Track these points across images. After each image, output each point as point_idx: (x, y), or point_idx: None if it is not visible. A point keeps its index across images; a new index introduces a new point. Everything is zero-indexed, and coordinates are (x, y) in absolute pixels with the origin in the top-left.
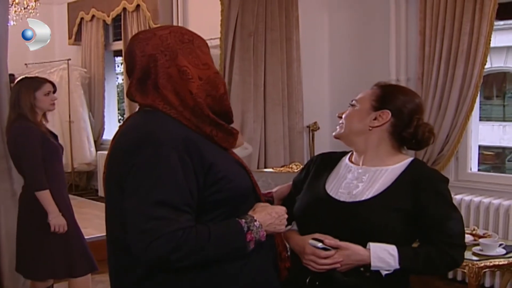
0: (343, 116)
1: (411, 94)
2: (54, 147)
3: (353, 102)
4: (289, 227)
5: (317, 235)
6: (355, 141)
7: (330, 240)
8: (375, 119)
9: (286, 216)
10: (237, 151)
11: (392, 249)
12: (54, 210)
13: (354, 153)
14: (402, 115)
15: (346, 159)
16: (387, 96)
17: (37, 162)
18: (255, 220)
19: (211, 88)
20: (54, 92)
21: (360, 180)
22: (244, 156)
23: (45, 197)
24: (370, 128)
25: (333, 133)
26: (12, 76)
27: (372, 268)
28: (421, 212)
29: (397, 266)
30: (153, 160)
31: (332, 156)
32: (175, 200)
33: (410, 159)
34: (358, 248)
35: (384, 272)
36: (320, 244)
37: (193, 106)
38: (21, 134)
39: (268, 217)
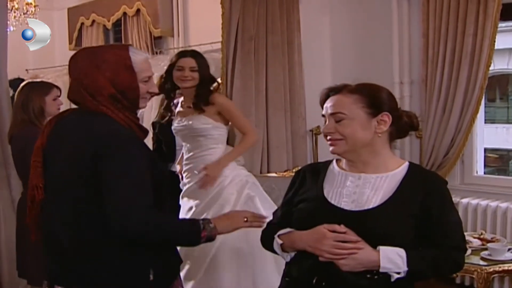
0: (341, 131)
1: (381, 88)
2: None
3: (339, 114)
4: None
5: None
6: (361, 153)
7: (350, 232)
8: (378, 124)
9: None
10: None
11: (401, 251)
12: None
13: (345, 160)
14: (395, 110)
15: (334, 166)
16: (373, 98)
17: None
18: (211, 222)
19: None
20: (60, 96)
21: (362, 188)
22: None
23: None
24: (380, 135)
25: (333, 150)
26: (19, 80)
27: (381, 270)
28: (427, 216)
29: (405, 268)
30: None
31: (319, 165)
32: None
33: (407, 163)
34: (368, 248)
35: (394, 276)
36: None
37: None
38: (32, 142)
39: (226, 221)
